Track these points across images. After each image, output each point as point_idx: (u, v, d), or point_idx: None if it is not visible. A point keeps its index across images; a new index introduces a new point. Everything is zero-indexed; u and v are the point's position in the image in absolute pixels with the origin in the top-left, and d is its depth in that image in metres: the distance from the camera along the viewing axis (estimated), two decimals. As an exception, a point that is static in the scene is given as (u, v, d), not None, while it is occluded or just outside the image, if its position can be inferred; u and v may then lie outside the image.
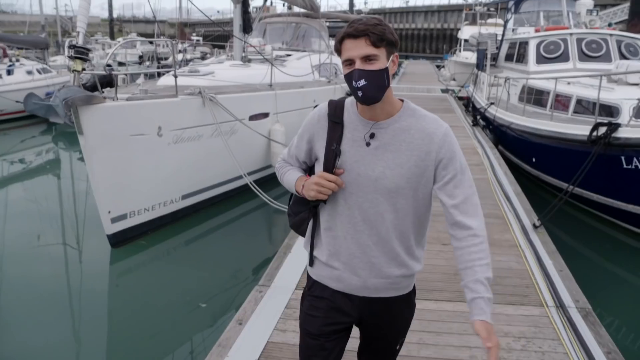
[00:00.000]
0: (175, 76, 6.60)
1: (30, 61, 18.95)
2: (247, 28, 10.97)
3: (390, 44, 1.70)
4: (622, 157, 6.45)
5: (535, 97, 9.62)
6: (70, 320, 5.23)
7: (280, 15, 16.90)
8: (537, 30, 11.52)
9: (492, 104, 11.74)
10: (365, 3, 49.35)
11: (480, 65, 15.39)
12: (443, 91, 19.81)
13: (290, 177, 1.96)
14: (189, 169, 7.09)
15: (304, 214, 1.99)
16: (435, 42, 56.68)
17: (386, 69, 1.69)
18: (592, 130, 6.73)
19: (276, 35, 14.72)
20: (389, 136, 1.76)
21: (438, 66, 35.51)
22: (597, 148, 6.42)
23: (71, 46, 5.45)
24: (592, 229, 7.50)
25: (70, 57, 5.43)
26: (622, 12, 22.12)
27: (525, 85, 9.91)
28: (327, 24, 17.38)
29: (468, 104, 16.07)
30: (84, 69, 5.50)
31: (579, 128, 7.24)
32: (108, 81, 15.73)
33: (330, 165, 1.79)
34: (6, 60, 19.22)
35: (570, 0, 12.01)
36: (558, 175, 8.04)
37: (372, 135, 1.77)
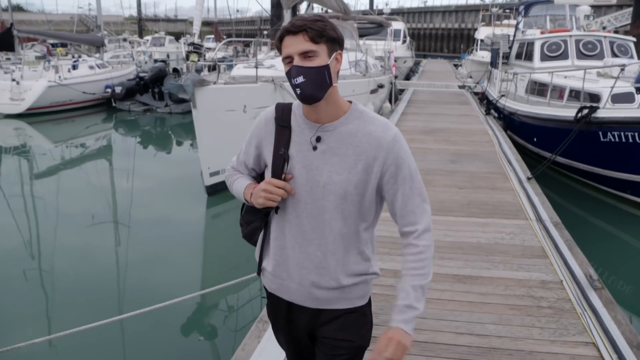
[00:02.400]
0: (257, 67, 8.64)
1: (90, 57, 21.09)
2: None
3: (331, 40, 1.65)
4: (599, 132, 8.34)
5: (538, 88, 11.50)
6: (180, 242, 7.25)
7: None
8: (542, 32, 13.43)
9: (502, 96, 13.60)
10: (387, 4, 50.91)
11: (493, 63, 17.25)
12: (460, 87, 21.63)
13: (239, 186, 1.89)
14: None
15: (256, 223, 1.91)
16: (453, 42, 58.05)
17: (327, 66, 1.64)
18: (577, 112, 8.62)
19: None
20: (335, 139, 1.71)
21: (455, 65, 37.20)
22: (579, 125, 8.33)
23: (190, 43, 7.51)
24: (574, 189, 9.51)
25: (189, 52, 7.48)
26: (623, 16, 23.78)
27: (530, 79, 11.80)
28: (356, 25, 19.33)
29: (483, 98, 17.92)
30: (198, 60, 7.54)
31: (569, 111, 9.12)
32: (163, 75, 18.00)
33: (279, 171, 1.74)
34: (51, 57, 21.57)
35: (572, 6, 13.86)
36: (552, 150, 9.94)
37: (318, 139, 1.72)
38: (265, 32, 34.59)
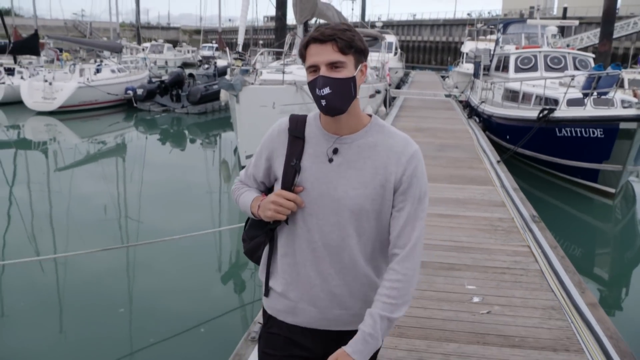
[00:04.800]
0: (283, 72, 10.70)
1: (111, 62, 23.02)
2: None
3: (359, 51, 1.61)
4: (556, 129, 10.50)
5: (511, 95, 13.71)
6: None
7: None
8: (516, 48, 15.67)
9: (483, 102, 15.80)
10: (379, 18, 53.27)
11: (476, 74, 19.50)
12: (446, 96, 23.88)
13: (246, 199, 1.80)
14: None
15: (260, 238, 1.82)
16: (441, 54, 60.53)
17: (353, 78, 1.59)
18: (539, 113, 10.77)
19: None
20: (353, 152, 1.66)
21: (443, 77, 39.61)
22: (539, 123, 10.49)
23: (236, 52, 9.56)
24: (537, 177, 11.70)
25: (235, 58, 9.53)
26: (588, 38, 26.43)
27: (505, 88, 14.02)
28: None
29: (466, 105, 20.14)
30: (241, 65, 9.59)
31: (533, 113, 11.29)
32: (181, 80, 20.01)
33: (289, 183, 1.67)
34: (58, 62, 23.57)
35: (543, 26, 16.16)
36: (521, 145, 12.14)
37: (335, 151, 1.67)
38: (260, 42, 36.83)
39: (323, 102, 1.59)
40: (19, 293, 5.99)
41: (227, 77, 10.33)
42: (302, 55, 1.64)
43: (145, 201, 9.83)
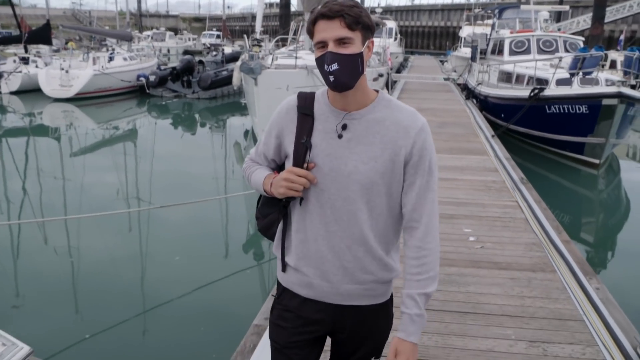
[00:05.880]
0: (296, 57, 11.62)
1: (122, 50, 23.88)
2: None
3: (366, 27, 1.62)
4: (546, 106, 11.47)
5: (506, 77, 14.66)
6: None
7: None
8: (511, 32, 16.60)
9: (479, 84, 16.73)
10: (379, 4, 53.86)
11: (473, 58, 20.39)
12: (445, 79, 24.77)
13: (258, 177, 1.84)
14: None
15: (273, 215, 1.85)
16: (439, 39, 60.98)
17: (361, 54, 1.61)
18: (530, 92, 11.74)
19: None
20: (362, 127, 1.68)
21: (442, 61, 40.35)
22: (530, 101, 11.46)
23: (254, 39, 10.49)
24: (526, 150, 12.68)
25: (253, 45, 10.47)
26: (585, 21, 27.35)
27: (499, 70, 14.97)
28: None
29: (464, 88, 21.06)
30: (259, 51, 10.53)
31: (526, 92, 12.25)
32: (192, 66, 20.95)
33: (301, 160, 1.70)
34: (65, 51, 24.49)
35: (535, 11, 17.08)
36: (515, 122, 13.11)
37: (344, 127, 1.69)
38: (261, 29, 37.73)
39: (331, 78, 1.60)
40: (41, 251, 6.98)
41: (243, 62, 11.22)
42: (310, 32, 1.65)
43: (158, 181, 10.68)
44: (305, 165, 1.70)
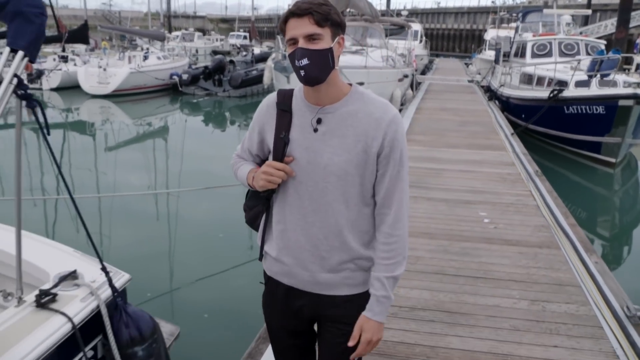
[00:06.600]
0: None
1: (155, 49, 24.83)
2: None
3: (335, 24, 1.68)
4: (564, 107, 11.93)
5: (527, 79, 15.12)
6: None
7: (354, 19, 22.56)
8: (533, 35, 17.03)
9: (502, 86, 17.18)
10: (405, 6, 54.31)
11: (497, 60, 20.83)
12: (469, 81, 25.20)
13: (242, 171, 1.94)
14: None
15: (258, 207, 1.95)
16: (465, 42, 60.99)
17: (330, 49, 1.67)
18: (550, 93, 12.20)
19: (349, 34, 20.35)
20: (335, 121, 1.75)
21: (466, 64, 40.60)
22: (549, 101, 11.94)
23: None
24: (544, 149, 13.11)
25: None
26: (612, 25, 27.46)
27: (521, 72, 15.43)
28: (382, 26, 23.01)
29: (487, 90, 21.49)
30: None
31: (546, 93, 12.72)
32: (223, 66, 21.81)
33: (280, 154, 1.78)
34: (98, 50, 25.51)
35: (558, 15, 17.48)
36: (535, 122, 13.58)
37: (319, 121, 1.76)
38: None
39: (302, 73, 1.66)
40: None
41: (277, 61, 11.89)
42: (282, 30, 1.70)
43: (188, 173, 11.19)
44: (284, 159, 1.78)
